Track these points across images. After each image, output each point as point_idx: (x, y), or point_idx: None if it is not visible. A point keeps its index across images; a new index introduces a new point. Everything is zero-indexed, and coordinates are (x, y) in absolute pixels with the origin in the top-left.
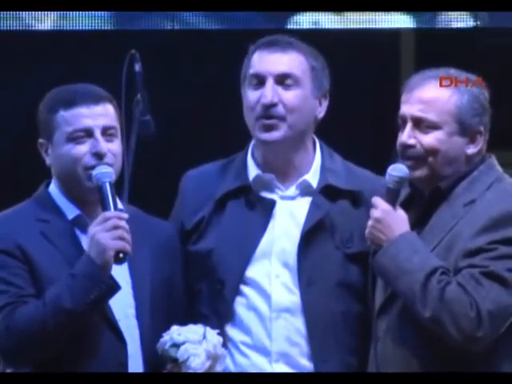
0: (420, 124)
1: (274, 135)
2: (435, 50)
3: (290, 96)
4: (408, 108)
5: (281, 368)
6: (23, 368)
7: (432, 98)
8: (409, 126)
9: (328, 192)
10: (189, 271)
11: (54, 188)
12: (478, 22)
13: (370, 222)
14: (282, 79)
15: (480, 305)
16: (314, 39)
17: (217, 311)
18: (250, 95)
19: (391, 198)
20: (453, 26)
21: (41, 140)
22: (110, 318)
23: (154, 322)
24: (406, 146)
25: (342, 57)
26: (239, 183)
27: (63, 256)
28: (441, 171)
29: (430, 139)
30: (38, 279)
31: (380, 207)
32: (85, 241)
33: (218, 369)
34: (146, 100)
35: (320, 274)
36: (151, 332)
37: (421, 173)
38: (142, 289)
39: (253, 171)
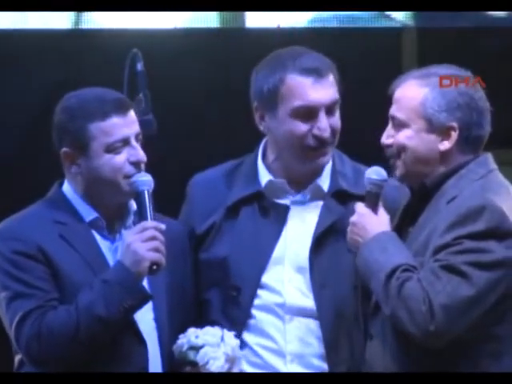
0: (394, 123)
1: (325, 160)
2: (437, 50)
3: (336, 121)
4: (391, 108)
5: (295, 369)
6: (45, 371)
7: (402, 96)
8: (389, 125)
9: (339, 196)
10: (199, 278)
11: (69, 189)
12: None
13: (348, 227)
14: (331, 107)
15: (432, 299)
16: (314, 39)
17: (231, 317)
18: (299, 127)
19: (371, 200)
20: (454, 26)
21: (66, 149)
22: (131, 321)
23: (171, 323)
24: (385, 146)
25: (343, 56)
26: (251, 190)
27: (83, 259)
28: (414, 169)
29: (400, 137)
30: (60, 282)
31: (357, 211)
32: (102, 243)
33: (235, 371)
34: (148, 99)
35: (333, 278)
36: (169, 334)
37: (398, 171)
38: (159, 291)
39: (264, 177)
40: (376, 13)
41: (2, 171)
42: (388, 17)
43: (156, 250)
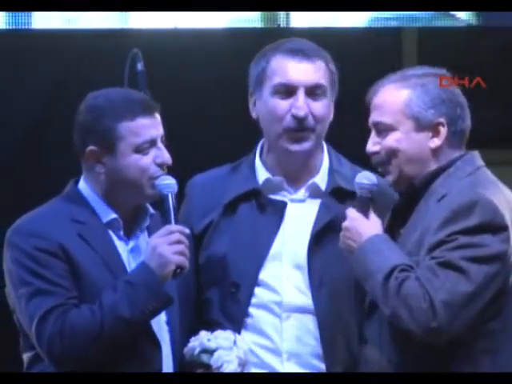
0: (379, 129)
1: (305, 146)
2: (437, 50)
3: (318, 107)
4: (370, 117)
5: (292, 367)
6: (65, 369)
7: (383, 102)
8: (372, 133)
9: (337, 194)
10: (199, 278)
11: (85, 188)
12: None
13: (341, 233)
14: (312, 90)
15: (432, 296)
16: (314, 39)
17: (230, 315)
18: (278, 104)
19: (362, 205)
20: (454, 26)
21: (92, 147)
22: (146, 325)
23: (181, 325)
24: (371, 154)
25: (344, 56)
26: (249, 187)
27: (101, 258)
28: (407, 171)
29: (388, 141)
30: (79, 281)
31: (348, 216)
32: (117, 243)
33: None
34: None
35: (331, 276)
36: (180, 336)
37: (391, 177)
38: (170, 293)
39: (262, 174)
40: (438, 12)
41: (2, 171)
42: (451, 16)
43: (181, 253)
